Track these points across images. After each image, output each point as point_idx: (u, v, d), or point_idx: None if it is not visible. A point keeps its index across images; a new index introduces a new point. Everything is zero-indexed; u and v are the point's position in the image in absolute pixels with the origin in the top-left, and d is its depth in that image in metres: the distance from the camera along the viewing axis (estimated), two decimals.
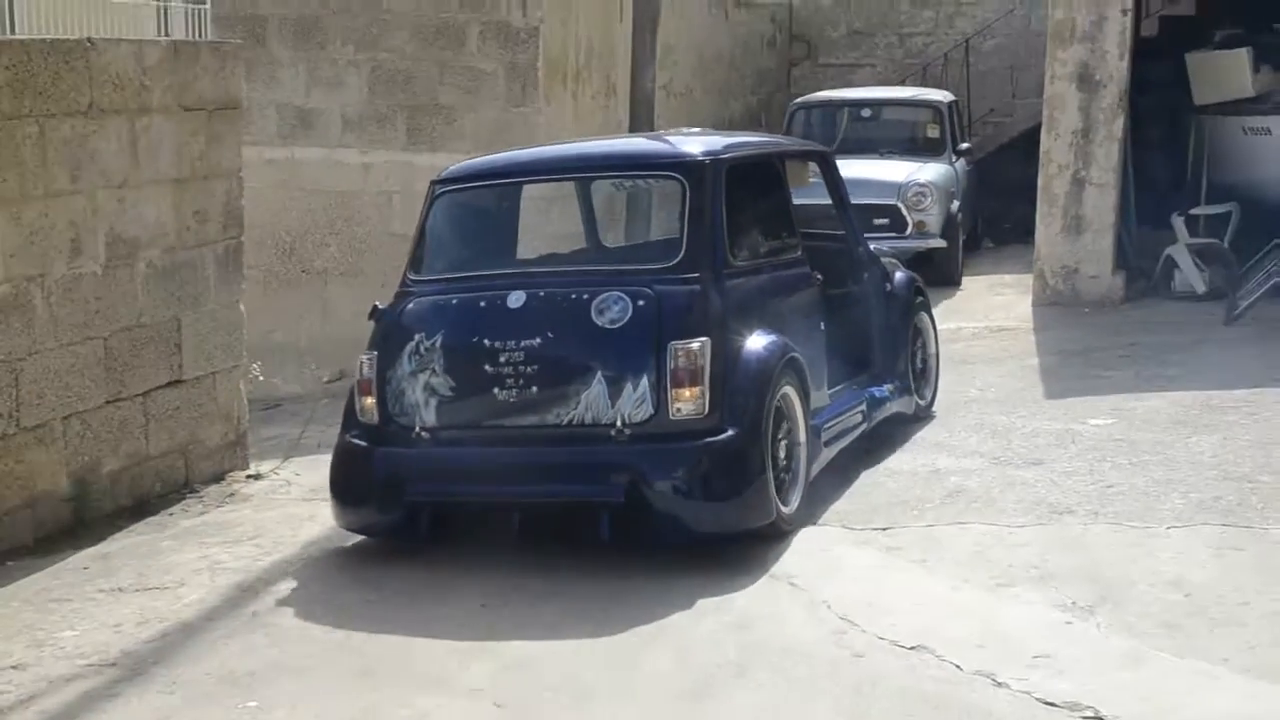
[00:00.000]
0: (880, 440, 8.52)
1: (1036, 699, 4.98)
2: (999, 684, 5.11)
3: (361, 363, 6.95)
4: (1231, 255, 12.80)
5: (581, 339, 6.59)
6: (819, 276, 7.86)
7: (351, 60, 12.73)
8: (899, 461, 8.11)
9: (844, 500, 7.41)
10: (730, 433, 6.43)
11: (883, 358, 8.69)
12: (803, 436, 7.04)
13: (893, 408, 8.56)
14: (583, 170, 8.07)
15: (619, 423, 6.39)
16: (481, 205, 7.79)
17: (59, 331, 7.23)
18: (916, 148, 15.10)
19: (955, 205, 14.33)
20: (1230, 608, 5.79)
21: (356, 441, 6.95)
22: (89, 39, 7.71)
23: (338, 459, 7.06)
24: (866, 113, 15.68)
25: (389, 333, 6.92)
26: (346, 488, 6.97)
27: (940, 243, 13.98)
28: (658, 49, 12.75)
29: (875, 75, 19.22)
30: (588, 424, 6.49)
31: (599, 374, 6.43)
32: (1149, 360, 10.52)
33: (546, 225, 8.64)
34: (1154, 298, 12.83)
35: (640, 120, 12.79)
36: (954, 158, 15.01)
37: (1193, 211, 13.36)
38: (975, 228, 15.86)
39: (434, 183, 7.46)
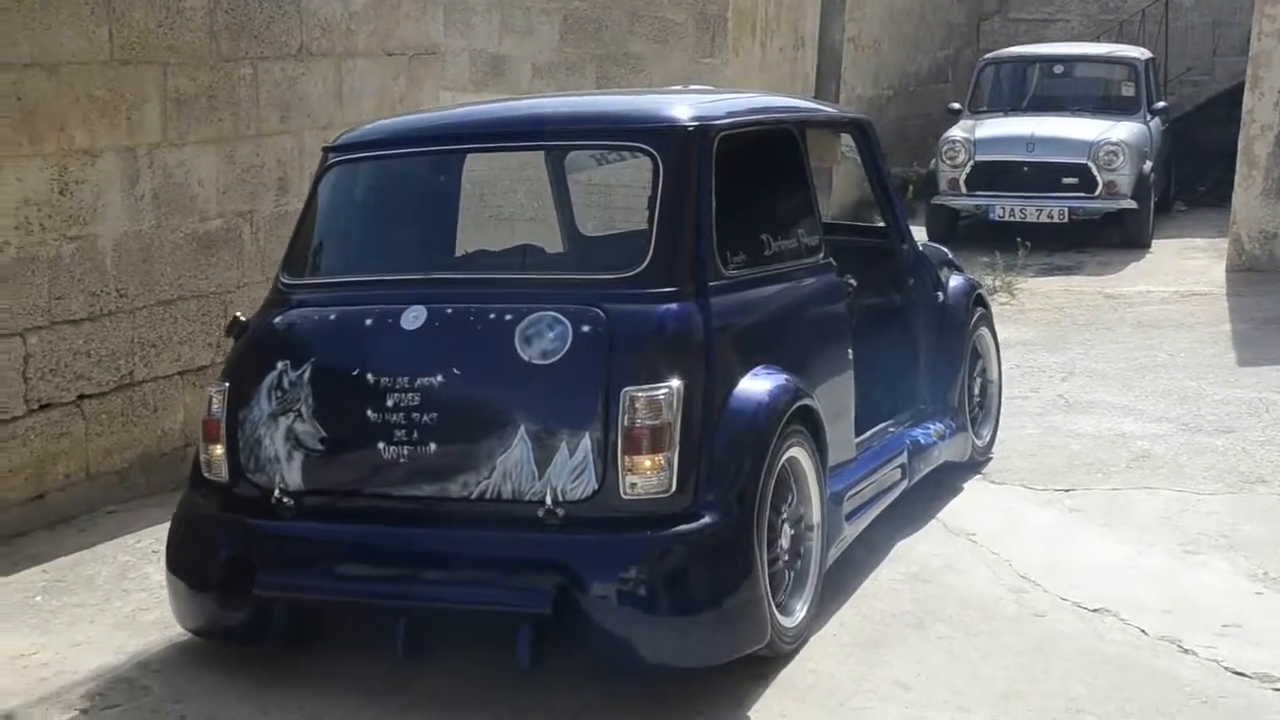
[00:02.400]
0: (1061, 403, 8.45)
1: (1225, 668, 4.93)
2: (1185, 650, 5.07)
3: (210, 397, 5.08)
4: None
5: (500, 378, 4.67)
6: (852, 283, 5.94)
7: (544, 8, 12.84)
8: (1082, 425, 8.00)
9: (1023, 459, 7.32)
10: (707, 519, 4.51)
11: (932, 389, 6.85)
12: (816, 515, 5.21)
13: (942, 455, 6.69)
14: (522, 138, 5.79)
15: (549, 500, 4.45)
16: (387, 183, 5.70)
17: (265, 266, 7.39)
18: (1110, 106, 14.85)
19: (1148, 166, 14.05)
20: None
21: (201, 504, 5.11)
22: None
23: (174, 527, 5.16)
24: (1058, 69, 15.46)
25: (247, 357, 5.08)
26: (183, 568, 5.03)
27: (1131, 204, 13.74)
28: (847, 0, 12.69)
29: (1069, 31, 18.88)
30: (505, 499, 4.55)
31: (522, 429, 4.51)
32: None
33: (511, 210, 7.23)
34: None
35: (827, 72, 12.76)
36: (1148, 117, 14.72)
37: None
38: (1168, 190, 15.54)
39: (326, 149, 5.61)
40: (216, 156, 7.20)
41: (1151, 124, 14.66)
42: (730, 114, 5.41)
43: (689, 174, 4.92)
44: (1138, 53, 15.68)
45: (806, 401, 5.08)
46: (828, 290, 5.73)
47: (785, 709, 4.66)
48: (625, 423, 4.45)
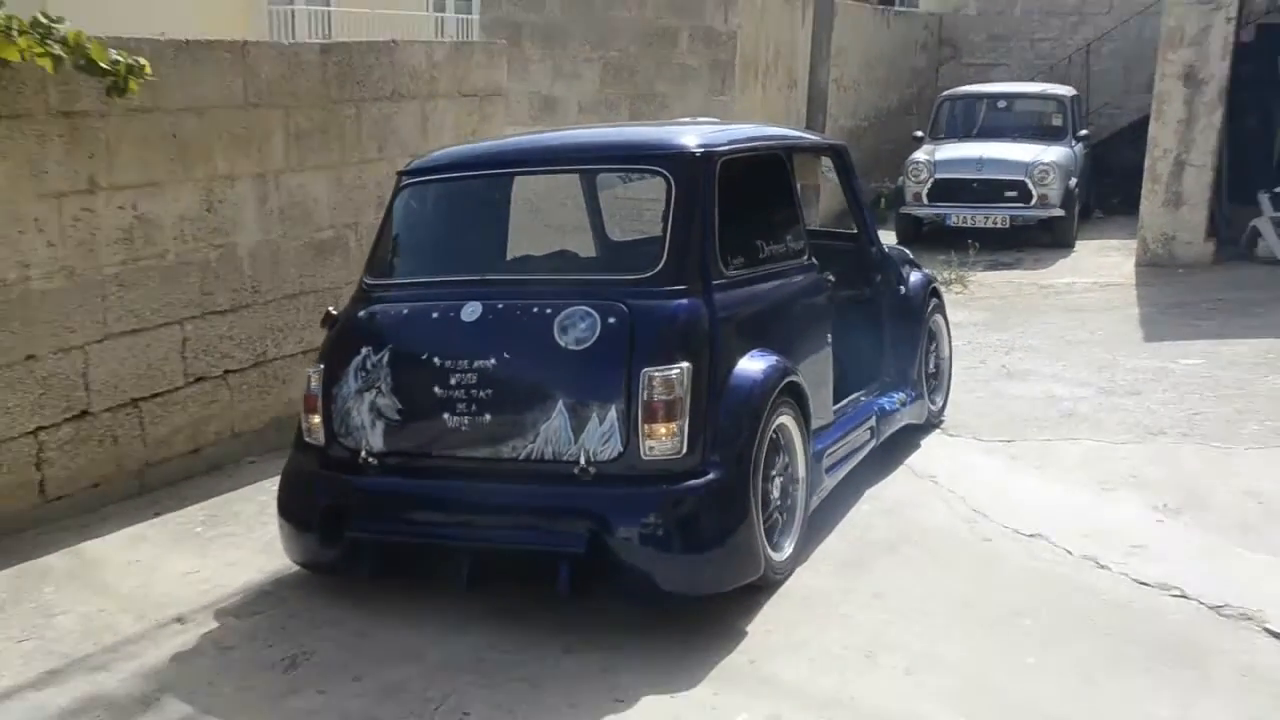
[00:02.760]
0: (1004, 372, 8.54)
1: (1133, 579, 5.05)
2: (1101, 566, 5.19)
3: (309, 376, 5.13)
4: None
5: (541, 361, 4.69)
6: (831, 279, 5.91)
7: (587, 58, 12.90)
8: (1021, 389, 8.06)
9: (973, 417, 7.38)
10: (712, 475, 4.57)
11: (895, 365, 6.78)
12: (802, 470, 5.21)
13: (904, 418, 6.67)
14: (559, 163, 5.85)
15: (582, 460, 4.53)
16: (450, 201, 5.62)
17: None
18: (1042, 134, 14.84)
19: (1073, 181, 14.08)
20: None
21: (303, 463, 5.15)
22: (394, 40, 7.95)
23: (284, 480, 5.23)
24: (1001, 104, 15.45)
25: (337, 344, 5.12)
26: (291, 514, 5.12)
27: (1059, 212, 13.78)
28: (831, 50, 12.72)
29: (1009, 73, 18.87)
30: (547, 460, 4.60)
31: (560, 403, 4.58)
32: (1233, 313, 10.27)
33: (556, 221, 6.79)
34: (1239, 262, 12.47)
35: (815, 107, 12.80)
36: (1073, 142, 14.72)
37: (1277, 190, 13.02)
38: (1089, 201, 15.52)
39: (400, 173, 5.60)
40: (328, 179, 7.29)
41: (1076, 148, 14.67)
42: (730, 141, 5.36)
43: (696, 192, 4.91)
44: (1065, 91, 15.68)
45: (793, 378, 5.07)
46: (811, 286, 5.70)
47: (784, 615, 4.77)
48: (645, 397, 4.50)
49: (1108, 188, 16.06)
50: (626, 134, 6.09)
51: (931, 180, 13.94)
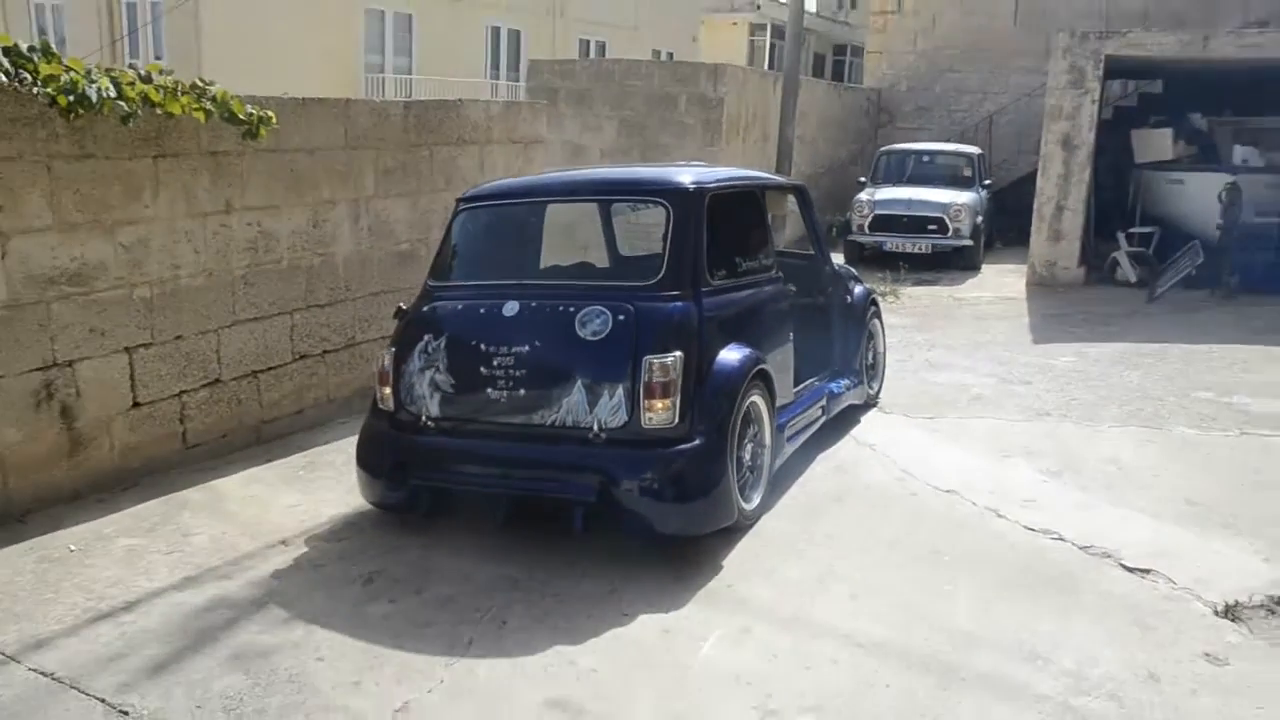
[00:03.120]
0: (927, 364, 8.49)
1: (1024, 526, 5.04)
2: (1001, 515, 5.17)
3: (382, 356, 5.09)
4: (1154, 259, 12.47)
5: (565, 348, 4.66)
6: (793, 289, 5.88)
7: (607, 116, 12.85)
8: (940, 378, 8.02)
9: (904, 399, 7.34)
10: (698, 441, 4.55)
11: (842, 357, 6.72)
12: (768, 439, 5.17)
13: (848, 399, 6.63)
14: (582, 194, 5.76)
15: (596, 427, 4.52)
16: (496, 222, 5.52)
17: None
18: (956, 181, 14.70)
19: (979, 219, 13.97)
20: (1146, 477, 5.74)
21: (377, 424, 5.08)
22: (460, 100, 7.90)
23: (362, 438, 5.16)
24: (926, 158, 15.33)
25: (405, 332, 5.04)
26: (366, 464, 5.06)
27: (969, 242, 13.68)
28: (796, 113, 12.66)
29: (931, 135, 18.73)
30: (568, 426, 4.58)
31: (579, 381, 4.57)
32: (1098, 323, 10.22)
33: (580, 239, 6.49)
34: (1103, 284, 12.44)
35: (783, 156, 12.75)
36: (980, 189, 14.60)
37: (1130, 230, 13.04)
38: (991, 234, 15.41)
39: (458, 200, 5.52)
40: (406, 205, 7.23)
41: (981, 193, 14.54)
42: (716, 180, 5.28)
43: (689, 219, 4.87)
44: (973, 150, 15.56)
45: (763, 365, 5.04)
46: (778, 294, 5.64)
47: (756, 551, 4.75)
48: (646, 379, 4.49)
49: (1005, 224, 15.97)
50: (635, 173, 5.95)
51: (872, 215, 13.85)
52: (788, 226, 11.93)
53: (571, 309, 4.69)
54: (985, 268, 14.04)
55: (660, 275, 4.79)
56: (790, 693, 3.56)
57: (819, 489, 5.54)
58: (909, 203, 13.86)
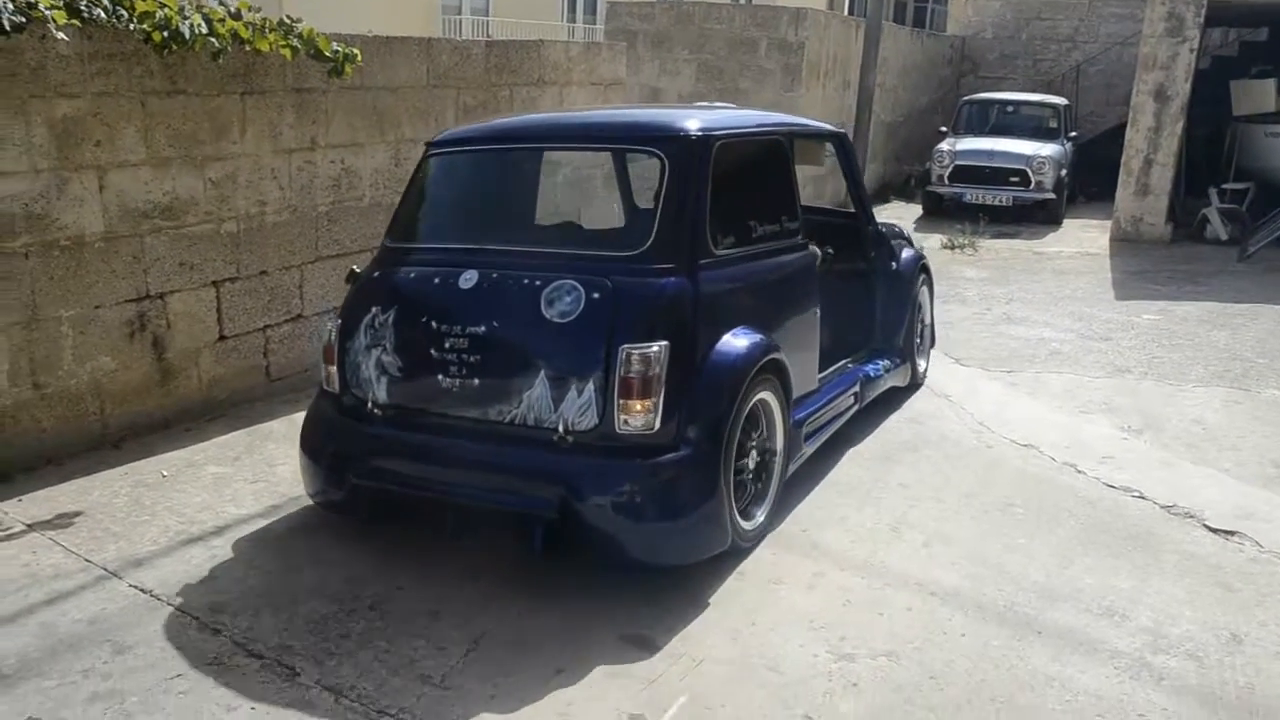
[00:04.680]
0: (1005, 318, 8.34)
1: (1103, 483, 4.97)
2: (1079, 472, 5.10)
3: (329, 329, 4.26)
4: (1247, 216, 12.05)
5: (527, 331, 3.81)
6: (830, 251, 5.02)
7: (686, 59, 12.70)
8: (1018, 331, 7.88)
9: (980, 352, 7.23)
10: (684, 452, 3.73)
11: (883, 333, 5.90)
12: (780, 442, 4.35)
13: (888, 383, 5.78)
14: (564, 141, 4.79)
15: (561, 428, 3.69)
16: (468, 172, 4.63)
17: None
18: (1041, 133, 14.33)
19: (1064, 172, 13.63)
20: (1231, 438, 5.61)
21: (321, 406, 4.32)
22: (541, 40, 7.89)
23: (305, 421, 4.40)
24: (1010, 108, 14.94)
25: (353, 301, 4.22)
26: (306, 451, 4.30)
27: (1051, 195, 13.36)
28: (878, 59, 12.40)
29: (1015, 85, 18.27)
30: (529, 425, 3.75)
31: (542, 372, 3.73)
32: (1184, 280, 9.94)
33: (590, 195, 5.91)
34: (1191, 242, 12.08)
35: (863, 104, 12.52)
36: (1065, 141, 14.21)
37: (1223, 185, 12.61)
38: (1075, 188, 15.04)
39: (426, 144, 4.62)
40: None
41: (1066, 146, 14.15)
42: (729, 127, 4.33)
43: (689, 174, 3.99)
44: (1059, 100, 15.12)
45: (775, 355, 4.19)
46: (802, 264, 4.72)
47: (830, 498, 4.73)
48: (622, 373, 3.65)
49: (1090, 179, 15.57)
50: (629, 116, 4.75)
51: (952, 165, 13.57)
52: (833, 182, 11.74)
53: (538, 283, 3.83)
54: (1067, 222, 13.71)
55: (649, 244, 3.90)
56: (863, 637, 3.57)
57: (894, 438, 5.50)
58: (991, 154, 13.55)
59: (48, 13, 4.54)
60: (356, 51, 5.91)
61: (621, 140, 4.55)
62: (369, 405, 4.06)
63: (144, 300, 5.27)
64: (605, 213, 5.37)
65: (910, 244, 6.43)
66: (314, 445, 4.28)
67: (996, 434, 5.58)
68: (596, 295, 3.76)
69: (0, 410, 4.73)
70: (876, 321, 5.90)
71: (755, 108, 11.95)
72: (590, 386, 3.69)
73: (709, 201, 4.02)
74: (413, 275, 4.12)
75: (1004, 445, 5.43)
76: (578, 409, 3.70)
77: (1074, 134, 14.82)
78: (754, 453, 4.22)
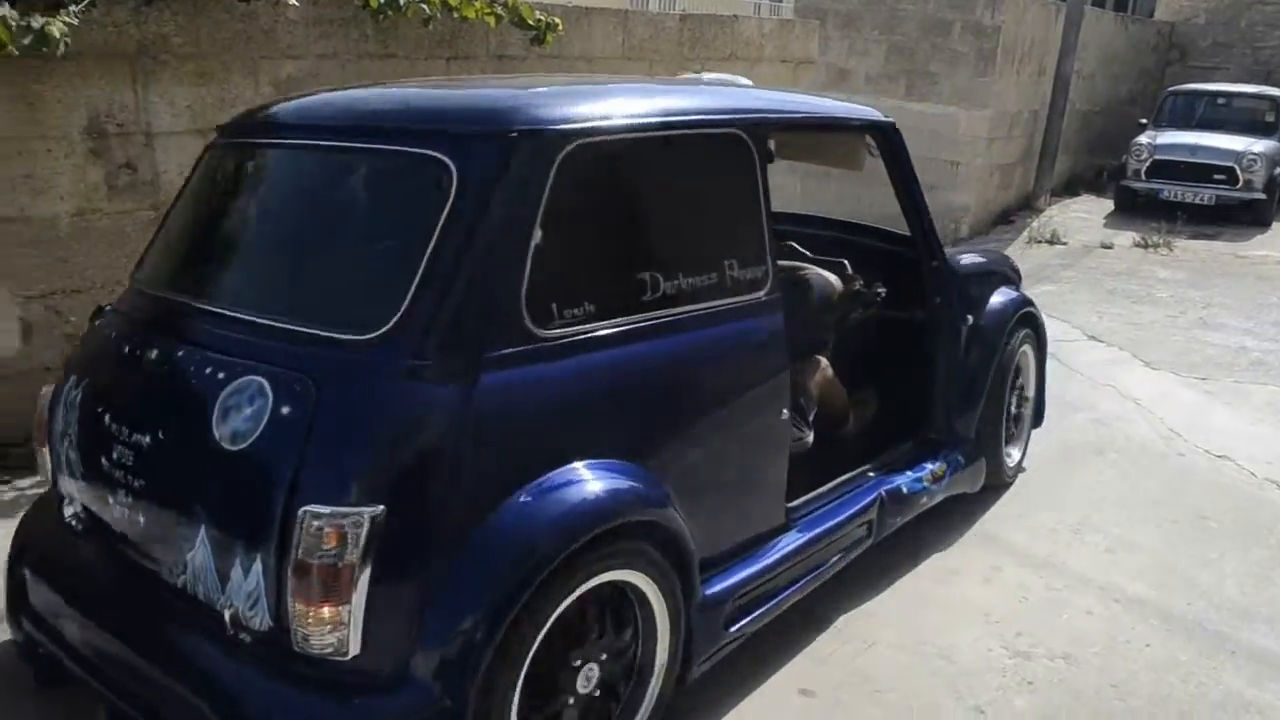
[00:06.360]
0: (1201, 323, 7.92)
1: None
2: None
3: (43, 393, 2.81)
4: None
5: (190, 456, 2.32)
6: (879, 292, 3.86)
7: (876, 40, 12.47)
8: (1215, 338, 7.44)
9: (1172, 356, 6.85)
10: (405, 700, 2.18)
11: (944, 415, 4.01)
12: (662, 654, 2.69)
13: (940, 494, 3.90)
14: (331, 136, 2.62)
15: (229, 620, 2.19)
16: (228, 177, 2.86)
17: None
18: (1253, 128, 13.47)
19: (1277, 170, 12.82)
20: None
21: (42, 502, 2.92)
22: (735, 15, 7.90)
23: (20, 523, 2.93)
24: (1221, 100, 14.10)
25: (70, 360, 2.86)
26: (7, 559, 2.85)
27: (1261, 195, 12.56)
28: (1077, 45, 11.92)
29: (1229, 75, 17.21)
30: (201, 600, 2.27)
31: (203, 529, 2.25)
32: None
33: None
34: None
35: (1059, 92, 12.08)
36: None
37: None
38: None
39: (218, 129, 2.99)
40: None
41: None
42: (610, 115, 2.55)
43: (495, 197, 2.29)
44: (1277, 93, 14.24)
45: (649, 512, 2.50)
46: (755, 338, 2.88)
47: (1010, 495, 4.59)
48: (298, 553, 2.10)
49: None
50: (426, 97, 2.91)
51: (1150, 160, 12.92)
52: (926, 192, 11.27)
53: (221, 375, 2.32)
54: (1276, 225, 12.88)
55: (395, 319, 2.22)
56: (1040, 637, 3.49)
57: (1078, 439, 5.32)
58: (1194, 149, 12.84)
59: None
60: (558, 21, 6.05)
61: (388, 136, 2.49)
62: (69, 511, 2.65)
63: None
64: (357, 259, 2.69)
65: (1009, 280, 4.59)
66: (9, 556, 2.86)
67: (1189, 442, 5.34)
68: (286, 410, 2.19)
69: None
70: (934, 398, 4.01)
71: (944, 93, 11.72)
72: (258, 566, 2.17)
73: (539, 245, 2.32)
74: (112, 335, 2.70)
75: (1196, 454, 5.19)
76: (246, 597, 2.20)
77: None
78: (595, 676, 2.56)
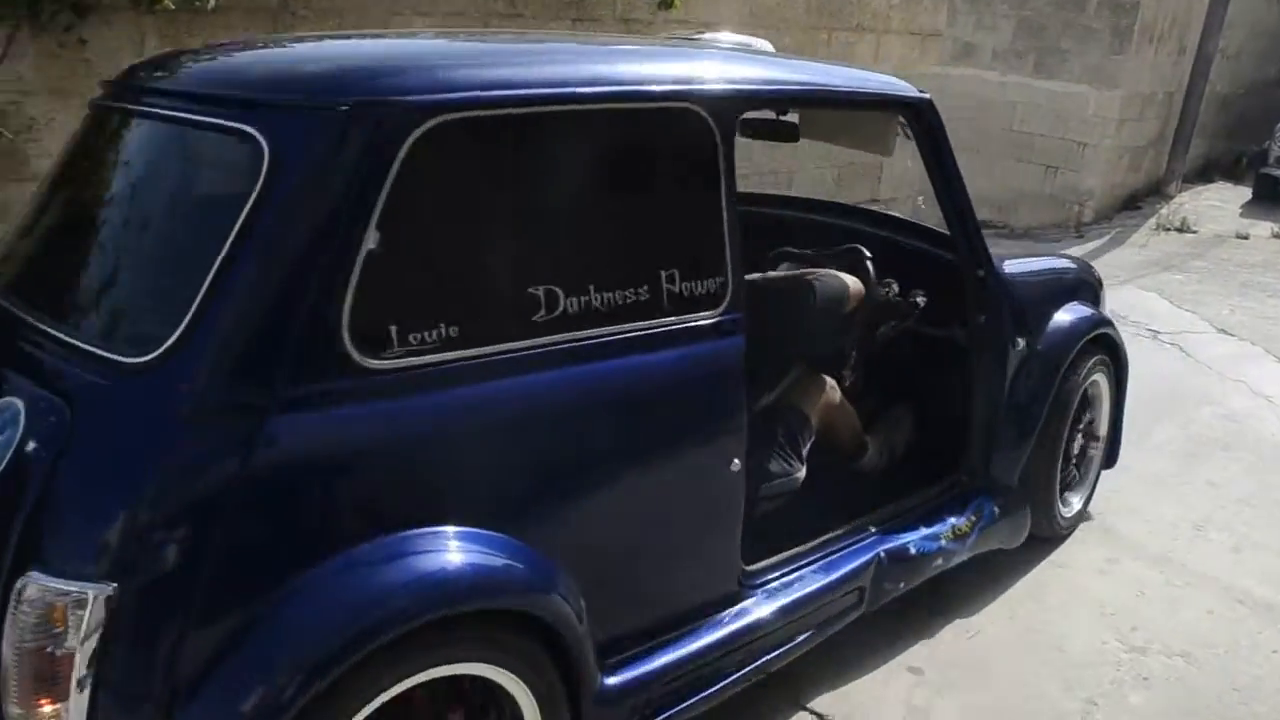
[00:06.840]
0: None
1: None
2: None
3: None
4: None
5: None
6: (917, 300, 3.23)
7: (1004, 14, 12.10)
8: None
9: None
10: None
11: (980, 458, 3.30)
12: None
13: (964, 553, 3.23)
14: (178, 101, 2.04)
15: None
16: (98, 149, 2.24)
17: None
18: None
19: None
20: None
21: None
22: None
23: None
24: None
25: None
26: None
27: None
28: (1223, 22, 11.40)
29: None
30: None
31: None
32: None
33: None
34: None
35: (1199, 73, 11.58)
36: None
37: None
38: None
39: (101, 84, 2.36)
40: None
41: None
42: (499, 84, 1.98)
43: (315, 184, 1.79)
44: None
45: (510, 601, 1.97)
46: (700, 369, 2.29)
47: (1128, 486, 4.42)
48: (10, 633, 1.64)
49: None
50: (256, 57, 2.30)
51: None
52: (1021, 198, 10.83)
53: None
54: None
55: (171, 341, 1.73)
56: (1157, 633, 3.39)
57: (1203, 434, 5.13)
58: None
59: None
60: None
61: (213, 105, 1.99)
62: None
63: None
64: (153, 259, 2.15)
65: (1090, 296, 3.86)
66: None
67: None
68: (33, 446, 1.73)
69: None
70: (969, 436, 3.31)
71: (1075, 71, 11.32)
72: None
73: (373, 251, 1.80)
74: None
75: None
76: None
77: None
78: None
